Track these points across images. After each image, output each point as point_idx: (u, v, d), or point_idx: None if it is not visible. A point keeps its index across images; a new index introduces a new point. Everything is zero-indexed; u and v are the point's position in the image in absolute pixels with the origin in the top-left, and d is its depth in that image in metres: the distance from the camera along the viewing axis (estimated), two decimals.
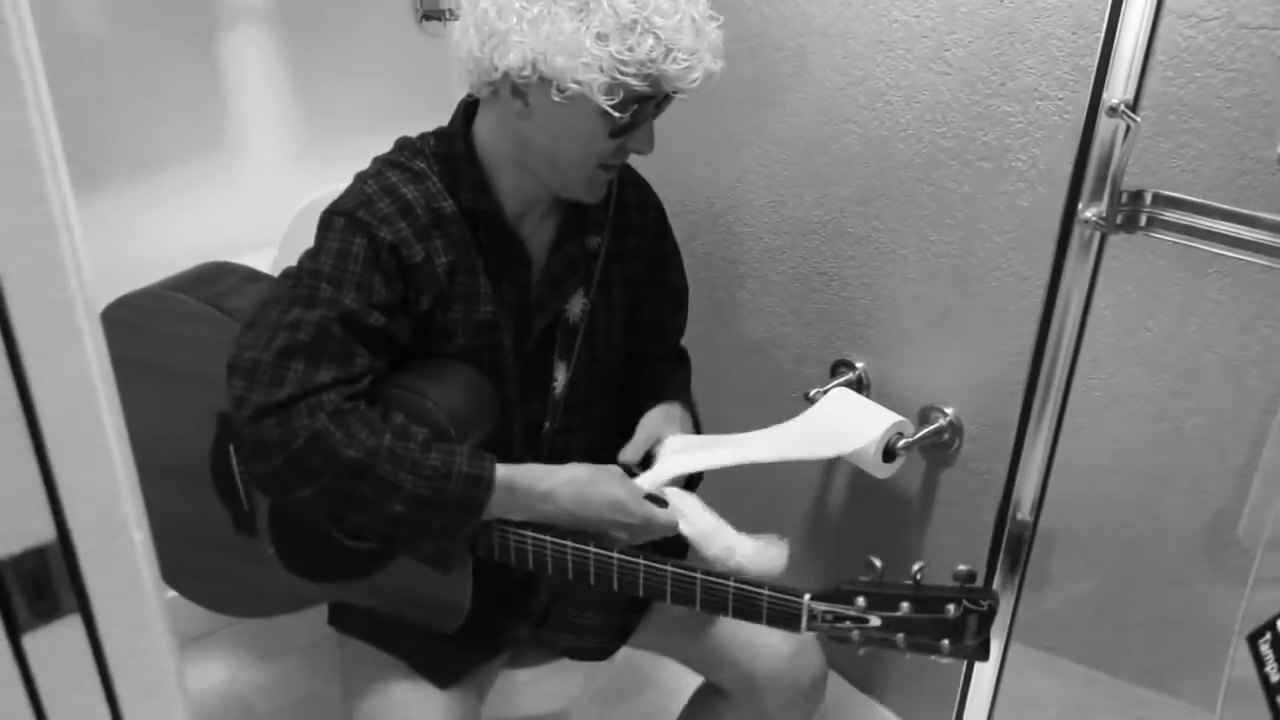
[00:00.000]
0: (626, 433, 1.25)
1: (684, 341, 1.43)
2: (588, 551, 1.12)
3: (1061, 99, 1.21)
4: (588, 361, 1.25)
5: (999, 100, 1.27)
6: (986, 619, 1.03)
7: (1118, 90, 1.05)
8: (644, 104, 1.07)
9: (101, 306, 1.21)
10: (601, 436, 1.31)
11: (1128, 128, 1.04)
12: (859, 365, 1.55)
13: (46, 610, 0.55)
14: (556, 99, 1.04)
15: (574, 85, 1.02)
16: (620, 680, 1.82)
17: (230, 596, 1.32)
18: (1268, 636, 0.92)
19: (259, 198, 1.77)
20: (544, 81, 1.03)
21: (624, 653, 1.33)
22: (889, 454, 1.40)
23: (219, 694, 1.81)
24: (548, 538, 1.12)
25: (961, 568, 1.02)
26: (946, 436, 1.45)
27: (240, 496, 1.23)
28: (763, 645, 1.26)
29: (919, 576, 1.03)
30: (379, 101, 1.85)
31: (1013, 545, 1.27)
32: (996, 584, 1.29)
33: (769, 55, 1.51)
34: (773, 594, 1.07)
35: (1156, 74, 1.10)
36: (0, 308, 0.50)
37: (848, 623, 1.06)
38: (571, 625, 1.30)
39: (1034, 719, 1.44)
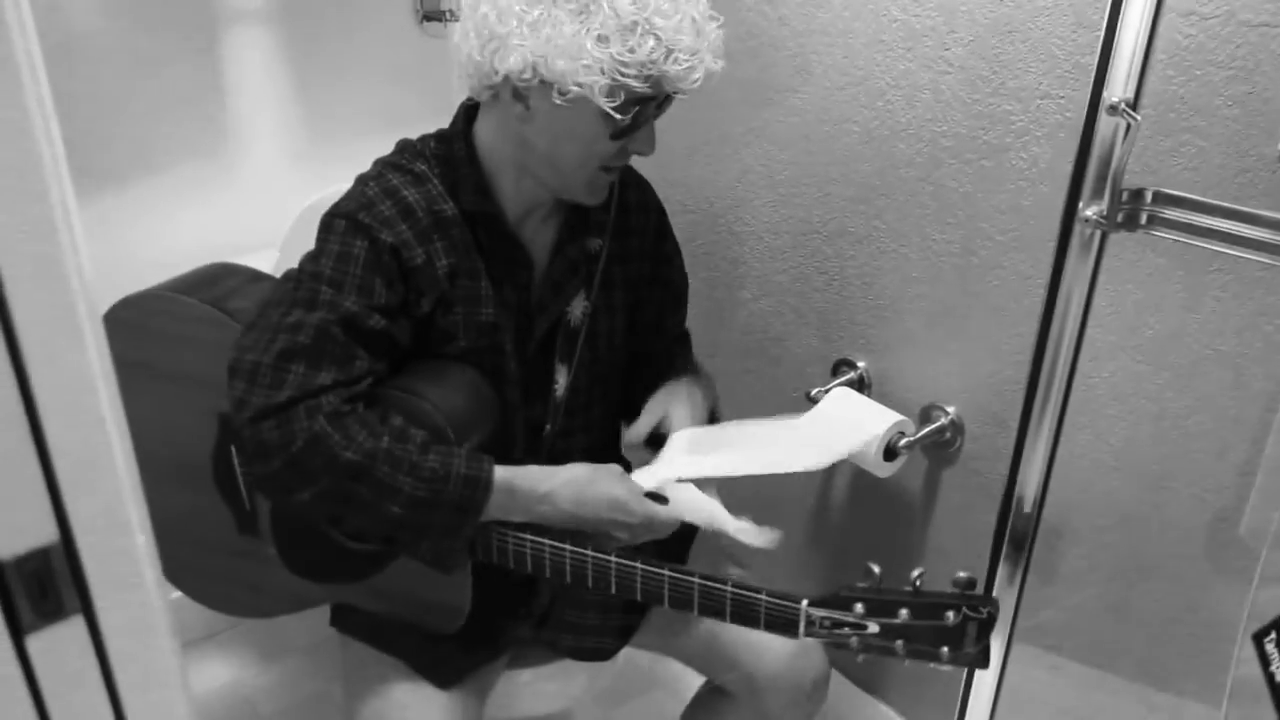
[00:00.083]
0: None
1: None
2: (585, 555, 1.12)
3: (1062, 98, 1.21)
4: (589, 363, 1.25)
5: (999, 99, 1.27)
6: (986, 626, 1.02)
7: (1118, 88, 1.05)
8: (645, 105, 1.07)
9: (104, 308, 1.21)
10: (602, 438, 1.31)
11: (1128, 126, 1.04)
12: (860, 364, 1.55)
13: (49, 611, 0.55)
14: (557, 102, 1.03)
15: (575, 88, 1.02)
16: (623, 681, 1.82)
17: (232, 597, 1.32)
18: (1273, 635, 0.92)
19: (259, 199, 1.77)
20: (545, 84, 1.03)
21: (626, 653, 1.33)
22: (890, 453, 1.40)
23: (221, 695, 1.81)
24: (546, 541, 1.12)
25: (961, 574, 1.01)
26: (948, 435, 1.45)
27: (242, 497, 1.23)
28: (765, 646, 1.26)
29: (918, 583, 1.03)
30: (380, 102, 1.85)
31: (1015, 543, 1.27)
32: (998, 582, 1.29)
33: (769, 55, 1.51)
34: (770, 599, 1.07)
35: (1157, 72, 1.10)
36: (2, 308, 0.50)
37: (846, 629, 1.05)
38: (573, 626, 1.30)
39: (1036, 717, 1.44)
